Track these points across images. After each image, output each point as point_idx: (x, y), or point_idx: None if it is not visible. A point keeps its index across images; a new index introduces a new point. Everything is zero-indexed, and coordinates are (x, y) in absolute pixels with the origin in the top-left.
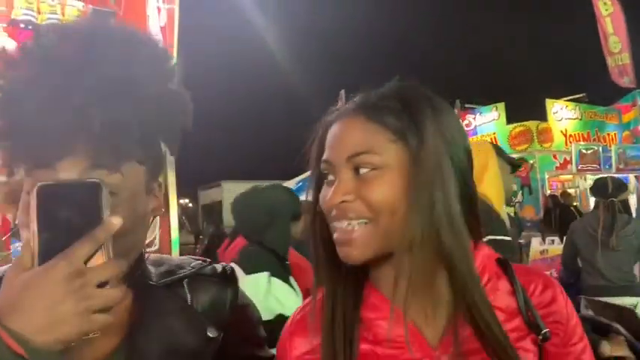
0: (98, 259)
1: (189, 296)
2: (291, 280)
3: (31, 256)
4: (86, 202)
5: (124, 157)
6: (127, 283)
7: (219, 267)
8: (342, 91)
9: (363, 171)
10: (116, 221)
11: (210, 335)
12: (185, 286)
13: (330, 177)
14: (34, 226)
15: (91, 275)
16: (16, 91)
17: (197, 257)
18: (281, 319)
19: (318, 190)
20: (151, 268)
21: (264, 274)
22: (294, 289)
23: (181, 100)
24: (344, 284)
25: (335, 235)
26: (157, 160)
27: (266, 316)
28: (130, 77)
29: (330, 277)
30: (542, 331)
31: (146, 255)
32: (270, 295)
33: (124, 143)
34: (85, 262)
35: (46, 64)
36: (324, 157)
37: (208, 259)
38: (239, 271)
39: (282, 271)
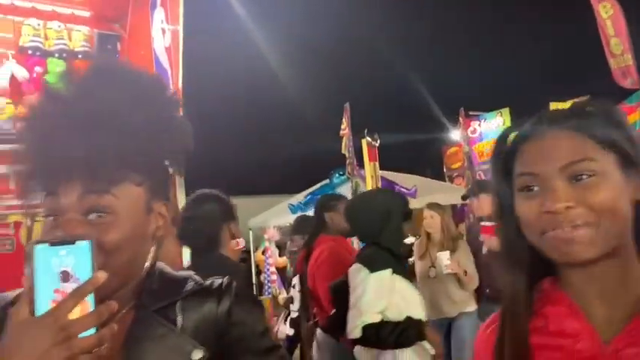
0: (85, 309)
1: (179, 318)
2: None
3: (28, 304)
4: (76, 259)
5: (114, 181)
6: (124, 309)
7: (217, 282)
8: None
9: (581, 178)
10: (102, 275)
11: (194, 358)
12: (177, 307)
13: (535, 188)
14: (31, 278)
15: (73, 328)
16: (28, 129)
17: (195, 277)
18: (409, 320)
19: (501, 201)
20: (150, 288)
21: (388, 271)
22: (416, 287)
23: (180, 125)
24: (525, 284)
25: (560, 237)
26: (160, 182)
27: (394, 314)
28: (115, 112)
29: (515, 278)
30: None
31: (155, 267)
32: (396, 292)
33: (109, 170)
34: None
35: (53, 102)
36: (527, 169)
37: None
38: (364, 270)
39: (402, 269)
